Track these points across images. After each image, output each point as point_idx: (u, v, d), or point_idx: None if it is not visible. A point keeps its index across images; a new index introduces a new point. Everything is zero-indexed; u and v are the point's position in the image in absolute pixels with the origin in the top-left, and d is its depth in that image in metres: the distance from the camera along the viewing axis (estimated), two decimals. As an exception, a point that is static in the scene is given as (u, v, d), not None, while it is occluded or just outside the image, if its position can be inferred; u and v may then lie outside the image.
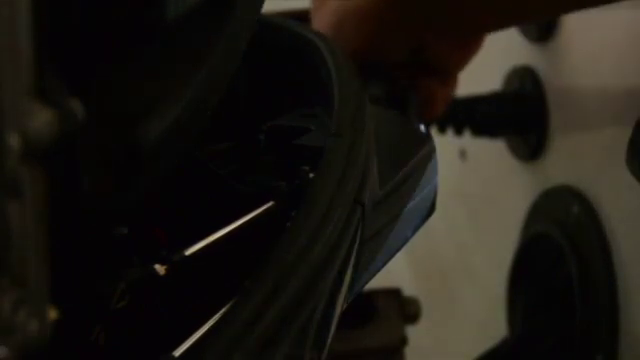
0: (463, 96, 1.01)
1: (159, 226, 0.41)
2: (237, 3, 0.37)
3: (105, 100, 0.30)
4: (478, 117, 1.01)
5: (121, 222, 0.38)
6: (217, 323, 0.34)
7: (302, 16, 0.95)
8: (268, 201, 0.42)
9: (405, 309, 0.98)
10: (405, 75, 0.68)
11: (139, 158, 0.31)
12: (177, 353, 0.35)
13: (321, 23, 0.69)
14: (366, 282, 0.48)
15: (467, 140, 1.03)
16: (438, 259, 1.31)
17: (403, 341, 0.95)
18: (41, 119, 0.27)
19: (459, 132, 1.01)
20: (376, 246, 0.47)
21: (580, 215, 0.93)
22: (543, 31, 0.98)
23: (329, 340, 0.37)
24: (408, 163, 0.51)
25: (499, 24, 0.73)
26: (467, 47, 0.73)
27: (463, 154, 1.20)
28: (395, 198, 0.49)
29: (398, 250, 0.51)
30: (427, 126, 0.57)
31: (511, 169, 1.08)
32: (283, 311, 0.33)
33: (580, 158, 0.96)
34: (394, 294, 0.99)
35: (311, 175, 0.42)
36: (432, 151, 0.54)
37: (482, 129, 1.02)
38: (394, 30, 0.65)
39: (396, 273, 1.18)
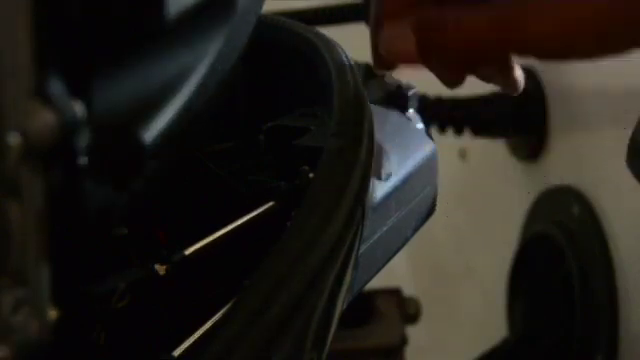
0: (463, 96, 1.01)
1: (159, 226, 0.41)
2: (237, 3, 0.37)
3: (105, 100, 0.30)
4: (478, 117, 1.01)
5: (121, 222, 0.38)
6: (217, 323, 0.34)
7: (302, 16, 0.95)
8: (268, 201, 0.42)
9: (405, 309, 0.98)
10: None
11: (139, 158, 0.31)
12: (177, 353, 0.35)
13: None
14: (366, 282, 0.48)
15: (467, 140, 1.03)
16: (438, 259, 1.31)
17: (403, 341, 0.95)
18: (41, 119, 0.27)
19: (459, 132, 1.01)
20: (376, 246, 0.47)
21: (580, 215, 0.93)
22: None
23: (329, 340, 0.37)
24: (408, 163, 0.51)
25: None
26: None
27: (463, 154, 1.20)
28: (395, 198, 0.49)
29: (398, 250, 0.52)
30: (427, 126, 0.57)
31: (511, 169, 1.08)
32: (283, 311, 0.33)
33: (580, 158, 0.96)
34: (394, 294, 0.99)
35: (311, 175, 0.42)
36: (432, 151, 0.54)
37: (482, 129, 1.02)
38: None
39: (396, 273, 1.18)
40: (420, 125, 0.56)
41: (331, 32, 0.55)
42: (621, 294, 0.88)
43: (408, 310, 0.98)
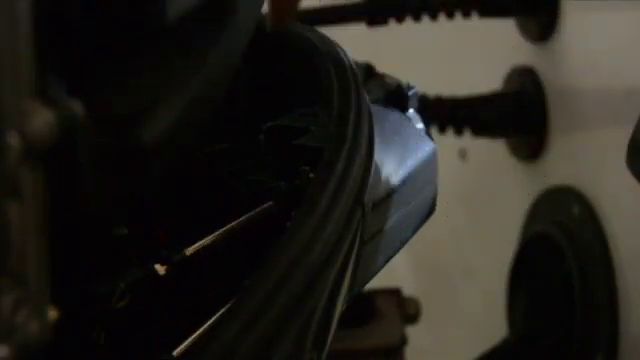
0: (463, 96, 1.01)
1: (159, 226, 0.41)
2: (237, 3, 0.37)
3: (105, 100, 0.30)
4: (478, 117, 1.01)
5: (121, 222, 0.38)
6: (217, 323, 0.34)
7: (302, 16, 0.95)
8: (268, 201, 0.42)
9: (405, 309, 0.98)
10: None
11: (139, 158, 0.31)
12: (177, 353, 0.35)
13: None
14: (366, 282, 0.48)
15: (467, 140, 1.03)
16: (438, 259, 1.31)
17: (403, 341, 0.95)
18: (41, 119, 0.27)
19: (459, 132, 1.01)
20: (376, 246, 0.47)
21: (580, 215, 0.93)
22: (543, 31, 0.98)
23: (329, 340, 0.37)
24: (408, 163, 0.51)
25: None
26: None
27: (463, 154, 1.20)
28: (395, 198, 0.49)
29: (398, 250, 0.51)
30: (427, 126, 0.57)
31: (511, 169, 1.08)
32: (283, 311, 0.33)
33: (580, 158, 0.96)
34: (394, 294, 0.99)
35: (311, 175, 0.42)
36: (432, 151, 0.54)
37: (482, 129, 1.02)
38: None
39: (396, 273, 1.18)
40: (420, 125, 0.56)
41: (331, 32, 0.55)
42: (621, 294, 0.88)
43: (408, 310, 0.98)
